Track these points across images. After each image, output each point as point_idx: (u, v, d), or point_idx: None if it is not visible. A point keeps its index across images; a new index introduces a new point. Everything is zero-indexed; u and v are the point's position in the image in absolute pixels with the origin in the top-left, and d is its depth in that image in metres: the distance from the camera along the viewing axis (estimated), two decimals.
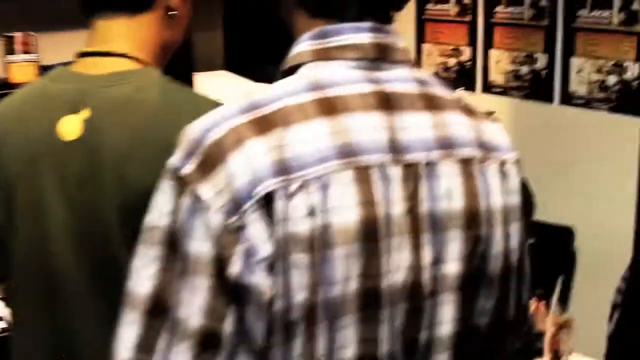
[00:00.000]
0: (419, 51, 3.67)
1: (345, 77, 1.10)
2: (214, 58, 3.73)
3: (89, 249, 1.42)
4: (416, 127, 1.12)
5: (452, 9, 3.48)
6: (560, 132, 3.21)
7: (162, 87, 1.45)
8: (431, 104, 1.15)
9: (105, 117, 1.42)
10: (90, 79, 1.47)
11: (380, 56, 1.13)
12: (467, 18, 3.43)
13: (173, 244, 1.04)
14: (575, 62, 3.08)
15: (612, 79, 2.98)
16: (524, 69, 3.25)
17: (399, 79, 1.14)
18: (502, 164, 1.19)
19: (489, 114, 2.65)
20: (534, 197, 2.77)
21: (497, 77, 3.36)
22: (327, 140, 1.04)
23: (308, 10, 1.16)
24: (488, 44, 3.37)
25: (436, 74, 3.47)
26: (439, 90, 1.18)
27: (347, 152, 1.05)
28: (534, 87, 3.24)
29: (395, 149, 1.09)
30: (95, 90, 1.44)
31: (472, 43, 3.43)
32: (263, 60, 3.56)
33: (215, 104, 1.16)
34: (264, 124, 1.05)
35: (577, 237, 3.17)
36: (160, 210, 1.05)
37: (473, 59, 3.44)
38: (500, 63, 3.33)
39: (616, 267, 3.14)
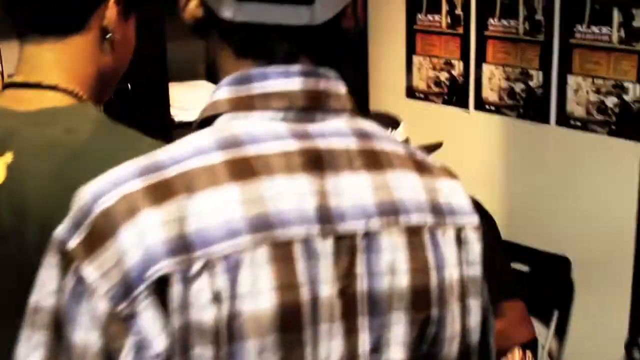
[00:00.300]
0: (409, 63, 3.48)
1: (267, 132, 0.93)
2: (193, 67, 3.55)
3: (10, 306, 1.25)
4: (353, 190, 0.94)
5: (443, 20, 3.29)
6: (556, 154, 3.02)
7: (95, 128, 1.30)
8: (373, 161, 0.97)
9: (29, 161, 1.26)
10: (16, 116, 1.30)
11: (312, 105, 0.96)
12: (459, 30, 3.24)
13: (59, 328, 0.88)
14: (573, 80, 2.88)
15: (611, 100, 2.78)
16: (519, 86, 3.06)
17: (334, 133, 0.97)
18: (460, 230, 1.01)
19: (435, 146, 2.45)
20: (493, 220, 2.58)
21: (490, 94, 3.17)
22: (238, 210, 0.87)
23: (233, 48, 0.98)
24: (481, 58, 3.18)
25: (428, 87, 3.28)
26: (385, 144, 1.00)
27: (262, 225, 0.88)
28: (529, 106, 3.05)
29: (326, 218, 0.91)
30: (20, 130, 1.29)
31: (465, 57, 3.24)
32: None
33: (157, 146, 1.00)
34: (162, 191, 0.88)
35: (574, 267, 3.00)
36: (44, 289, 0.90)
37: (465, 73, 3.25)
38: (493, 79, 3.14)
39: (615, 299, 2.98)
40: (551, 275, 3.00)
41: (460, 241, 1.01)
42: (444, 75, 3.32)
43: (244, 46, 0.97)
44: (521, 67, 3.04)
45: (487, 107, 3.19)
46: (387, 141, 1.01)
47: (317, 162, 0.93)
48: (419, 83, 3.45)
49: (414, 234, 0.96)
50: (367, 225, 0.93)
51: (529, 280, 3.05)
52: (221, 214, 0.86)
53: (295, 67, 0.95)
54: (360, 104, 3.73)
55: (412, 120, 3.56)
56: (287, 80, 0.95)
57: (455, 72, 3.29)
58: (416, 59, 3.45)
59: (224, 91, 0.96)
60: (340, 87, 1.00)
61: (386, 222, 0.94)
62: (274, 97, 0.94)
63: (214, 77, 1.02)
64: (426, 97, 3.43)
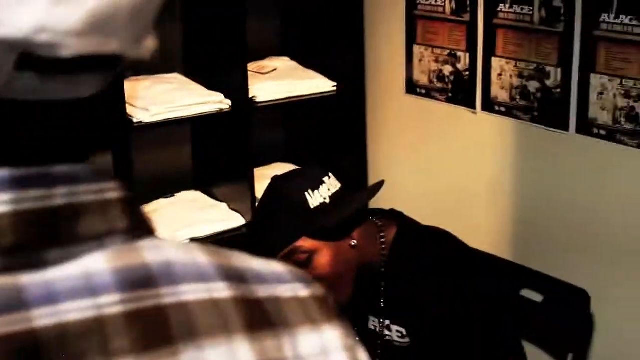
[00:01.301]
0: (410, 54, 3.00)
1: None
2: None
3: None
4: None
5: (447, 4, 2.80)
6: (575, 167, 2.52)
7: None
8: (154, 338, 0.56)
9: None
10: None
11: (33, 240, 0.54)
12: (465, 17, 2.74)
13: None
14: (597, 81, 2.38)
15: None
16: (533, 85, 2.56)
17: (76, 293, 0.53)
18: None
19: (376, 187, 1.99)
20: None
21: (500, 92, 2.68)
22: None
23: None
24: (489, 51, 2.68)
25: (430, 82, 2.80)
26: (192, 294, 0.59)
27: None
28: (545, 109, 2.55)
29: None
30: None
31: (471, 48, 2.75)
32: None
33: None
34: None
35: (594, 301, 2.51)
36: None
37: (472, 68, 2.76)
38: (504, 75, 2.65)
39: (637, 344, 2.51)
40: (567, 309, 2.51)
41: None
42: (447, 69, 2.83)
43: None
44: (536, 63, 2.54)
45: (496, 107, 2.70)
46: (193, 284, 0.59)
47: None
48: (420, 77, 2.97)
49: None
50: None
51: (543, 311, 2.58)
52: None
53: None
54: (357, 102, 3.29)
55: (412, 119, 3.08)
56: None
57: (460, 66, 2.80)
58: (417, 50, 2.96)
59: None
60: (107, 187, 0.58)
61: None
62: None
63: None
64: (428, 93, 2.95)
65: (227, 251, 0.65)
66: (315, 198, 1.90)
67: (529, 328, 2.58)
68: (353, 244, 1.94)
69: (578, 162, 2.50)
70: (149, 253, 0.58)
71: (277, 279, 0.64)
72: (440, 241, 2.05)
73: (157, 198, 3.14)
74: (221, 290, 0.60)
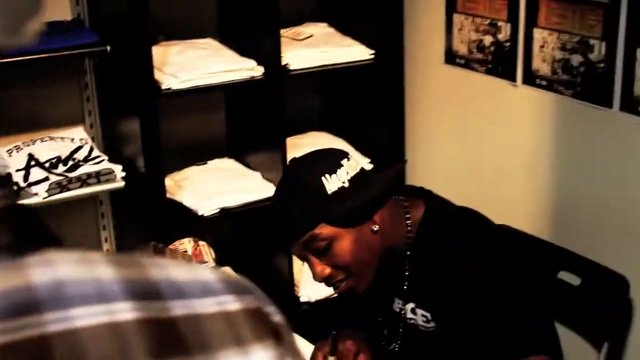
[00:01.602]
0: (449, 23, 2.88)
1: None
2: (191, 23, 3.04)
3: None
4: None
5: None
6: (618, 146, 2.41)
7: None
8: None
9: None
10: None
11: None
12: None
13: None
14: None
15: None
16: (576, 59, 2.45)
17: None
18: None
19: (398, 169, 1.94)
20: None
21: (541, 65, 2.57)
22: None
23: None
24: (532, 21, 2.56)
25: (470, 52, 2.69)
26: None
27: None
28: (588, 84, 2.43)
29: None
30: None
31: (513, 18, 2.63)
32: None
33: None
34: None
35: (633, 290, 2.40)
36: None
37: (513, 39, 2.64)
38: (546, 47, 2.53)
39: None
40: (606, 294, 2.41)
41: None
42: (488, 39, 2.72)
43: None
44: (580, 35, 2.42)
45: (537, 81, 2.59)
46: (89, 306, 0.53)
47: None
48: (460, 47, 2.86)
49: None
50: None
51: (580, 295, 2.48)
52: None
53: None
54: (395, 71, 3.19)
55: (450, 90, 2.98)
56: None
57: (501, 36, 2.69)
58: (457, 18, 2.85)
59: None
60: None
61: None
62: None
63: None
64: (467, 63, 2.84)
65: (144, 260, 0.57)
66: (333, 182, 1.81)
67: (565, 312, 2.49)
68: (375, 229, 1.86)
69: (621, 142, 2.39)
70: (35, 271, 0.51)
71: (201, 290, 0.56)
72: (468, 221, 1.96)
73: (189, 165, 3.09)
74: (124, 312, 0.52)
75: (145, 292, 0.54)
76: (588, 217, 2.51)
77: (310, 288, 3.04)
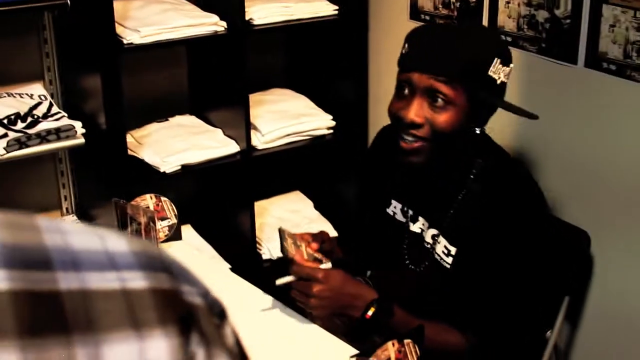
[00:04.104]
0: None
1: None
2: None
3: None
4: None
5: None
6: (583, 102, 2.40)
7: None
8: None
9: None
10: None
11: None
12: None
13: None
14: (609, 12, 2.24)
15: None
16: (542, 15, 2.43)
17: None
18: None
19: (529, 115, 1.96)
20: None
21: (507, 21, 2.55)
22: None
23: None
24: None
25: (435, 9, 2.66)
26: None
27: None
28: (553, 40, 2.42)
29: None
30: None
31: None
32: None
33: None
34: None
35: (594, 241, 2.43)
36: None
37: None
38: (511, 3, 2.51)
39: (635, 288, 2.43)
40: (567, 249, 2.42)
41: None
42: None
43: None
44: None
45: (502, 37, 2.56)
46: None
47: None
48: (425, 2, 2.83)
49: None
50: None
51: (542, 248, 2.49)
52: None
53: None
54: (359, 27, 3.15)
55: None
56: None
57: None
58: None
59: None
60: None
61: None
62: None
63: None
64: (432, 19, 2.81)
65: (45, 224, 0.51)
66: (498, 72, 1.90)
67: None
68: (477, 131, 1.94)
69: (586, 98, 2.38)
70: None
71: (102, 263, 0.50)
72: (529, 186, 2.00)
73: (150, 122, 3.04)
74: None
75: (29, 260, 0.48)
76: (551, 173, 2.51)
77: (273, 245, 3.02)
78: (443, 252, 1.98)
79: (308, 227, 3.12)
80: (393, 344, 1.59)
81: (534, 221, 1.96)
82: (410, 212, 2.09)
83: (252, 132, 2.94)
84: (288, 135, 3.02)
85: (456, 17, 2.72)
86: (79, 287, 0.48)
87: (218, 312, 0.55)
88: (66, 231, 0.51)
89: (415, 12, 2.89)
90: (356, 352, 1.70)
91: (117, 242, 0.52)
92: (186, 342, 0.50)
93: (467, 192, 1.97)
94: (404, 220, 2.11)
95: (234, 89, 2.91)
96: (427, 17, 2.83)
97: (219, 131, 3.01)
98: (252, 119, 2.93)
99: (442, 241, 1.99)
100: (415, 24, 2.87)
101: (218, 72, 2.97)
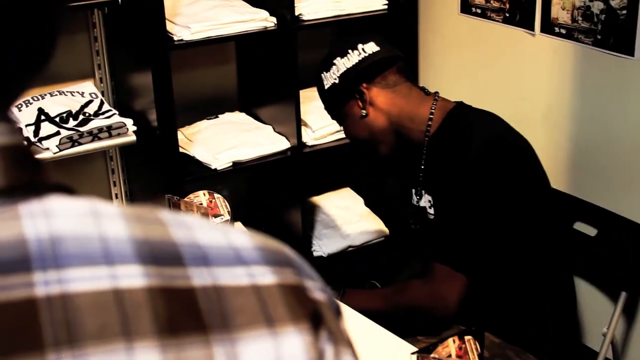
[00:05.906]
0: None
1: None
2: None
3: None
4: None
5: None
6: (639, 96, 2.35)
7: None
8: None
9: None
10: None
11: None
12: None
13: None
14: None
15: None
16: (597, 6, 2.38)
17: None
18: None
19: None
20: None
21: (561, 13, 2.50)
22: None
23: None
24: None
25: (486, 2, 2.62)
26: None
27: None
28: (609, 32, 2.37)
29: None
30: None
31: None
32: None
33: None
34: None
35: None
36: None
37: None
38: None
39: None
40: (623, 244, 2.37)
41: None
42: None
43: None
44: None
45: (556, 29, 2.52)
46: (85, 268, 0.46)
47: None
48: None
49: None
50: None
51: (595, 246, 2.45)
52: None
53: None
54: (409, 21, 3.13)
55: (466, 40, 2.92)
56: None
57: None
58: None
59: None
60: None
61: None
62: None
63: None
64: (484, 13, 2.78)
65: (168, 217, 0.49)
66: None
67: (581, 263, 2.46)
68: (363, 113, 2.16)
69: None
70: (29, 223, 0.45)
71: (230, 258, 0.49)
72: (494, 125, 2.07)
73: (200, 119, 3.05)
74: (131, 277, 0.45)
75: (161, 255, 0.46)
76: (605, 168, 2.47)
77: (324, 242, 3.01)
78: (427, 205, 2.10)
79: (358, 224, 3.10)
80: (454, 341, 1.57)
81: (485, 160, 1.98)
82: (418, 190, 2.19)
83: (303, 128, 2.93)
84: (339, 131, 3.00)
85: (508, 9, 2.68)
86: (212, 284, 0.47)
87: (335, 308, 0.53)
88: (191, 225, 0.49)
89: (466, 5, 2.85)
90: (416, 349, 1.69)
91: (239, 237, 0.50)
92: (316, 339, 0.49)
93: (430, 141, 2.06)
94: (416, 199, 2.20)
95: (283, 85, 2.90)
96: (479, 11, 2.79)
97: (269, 128, 3.00)
98: (303, 115, 2.92)
99: (425, 196, 2.10)
100: (466, 18, 2.85)
101: (268, 68, 2.96)
